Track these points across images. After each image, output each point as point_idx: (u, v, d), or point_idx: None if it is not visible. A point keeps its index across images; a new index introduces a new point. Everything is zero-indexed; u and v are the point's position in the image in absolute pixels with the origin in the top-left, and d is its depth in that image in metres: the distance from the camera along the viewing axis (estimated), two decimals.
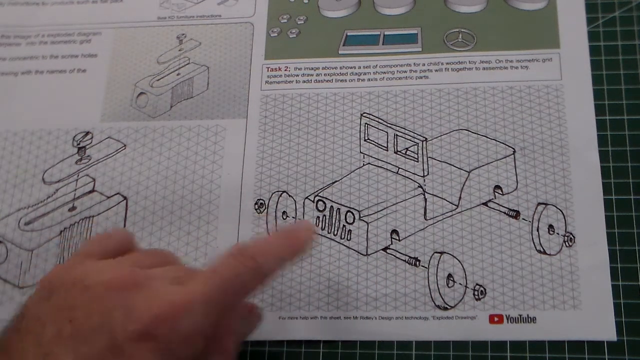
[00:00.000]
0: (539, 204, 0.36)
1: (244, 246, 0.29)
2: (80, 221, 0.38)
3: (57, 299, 0.26)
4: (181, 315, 0.26)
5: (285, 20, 0.42)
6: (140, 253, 0.31)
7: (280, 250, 0.30)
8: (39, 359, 0.25)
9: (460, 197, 0.36)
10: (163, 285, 0.27)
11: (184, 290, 0.27)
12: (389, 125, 0.38)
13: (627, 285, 0.34)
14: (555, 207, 0.36)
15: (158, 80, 0.41)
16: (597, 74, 0.38)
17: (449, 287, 0.35)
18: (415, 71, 0.40)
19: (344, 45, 0.41)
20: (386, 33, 0.41)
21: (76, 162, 0.40)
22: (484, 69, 0.39)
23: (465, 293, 0.35)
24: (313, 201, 0.37)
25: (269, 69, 0.41)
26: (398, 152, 0.38)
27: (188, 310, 0.26)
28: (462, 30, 0.40)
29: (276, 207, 0.37)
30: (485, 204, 0.36)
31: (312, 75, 0.40)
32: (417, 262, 0.35)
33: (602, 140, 0.37)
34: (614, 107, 0.37)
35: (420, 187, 0.37)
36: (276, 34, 0.42)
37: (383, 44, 0.41)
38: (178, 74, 0.41)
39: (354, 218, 0.37)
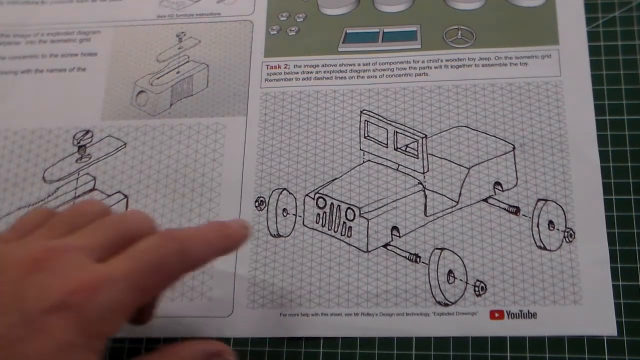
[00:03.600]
0: (539, 200, 0.36)
1: (174, 230, 0.28)
2: None
3: None
4: (99, 288, 0.25)
5: (285, 18, 0.42)
6: (57, 219, 0.29)
7: (210, 239, 0.29)
8: None
9: (460, 194, 0.37)
10: (79, 262, 0.26)
11: (103, 268, 0.26)
12: (388, 122, 0.39)
13: (627, 285, 0.34)
14: (555, 203, 0.36)
15: (158, 78, 0.42)
16: (597, 74, 0.38)
17: (449, 283, 0.35)
18: (415, 68, 0.40)
19: (343, 42, 0.41)
20: (385, 30, 0.41)
21: (76, 161, 0.40)
22: (483, 65, 0.39)
23: (465, 289, 0.35)
24: (313, 198, 0.37)
25: (269, 67, 0.41)
26: (398, 149, 0.38)
27: (107, 285, 0.25)
28: (462, 27, 0.40)
29: (276, 204, 0.37)
30: (485, 200, 0.36)
31: (311, 72, 0.40)
32: (418, 259, 0.36)
33: (602, 140, 0.37)
34: (614, 107, 0.37)
35: (421, 183, 0.37)
36: (275, 32, 0.42)
37: (382, 41, 0.41)
38: (178, 72, 0.42)
39: (354, 215, 0.37)
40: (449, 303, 0.35)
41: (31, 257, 0.25)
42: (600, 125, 0.37)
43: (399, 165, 0.38)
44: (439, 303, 0.35)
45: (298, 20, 0.42)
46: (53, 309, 0.24)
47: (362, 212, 0.37)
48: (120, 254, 0.26)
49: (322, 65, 0.40)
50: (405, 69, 0.40)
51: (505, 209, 0.36)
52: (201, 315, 0.35)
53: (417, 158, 0.38)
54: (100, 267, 0.26)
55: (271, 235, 0.37)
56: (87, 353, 0.25)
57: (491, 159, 0.37)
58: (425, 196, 0.37)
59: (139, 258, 0.26)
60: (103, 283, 0.25)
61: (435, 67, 0.40)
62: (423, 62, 0.40)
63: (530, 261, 0.35)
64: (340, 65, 0.40)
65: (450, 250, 0.35)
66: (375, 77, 0.40)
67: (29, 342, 0.24)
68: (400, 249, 0.36)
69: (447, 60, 0.40)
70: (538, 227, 0.35)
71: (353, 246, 0.36)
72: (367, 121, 0.39)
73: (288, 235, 0.37)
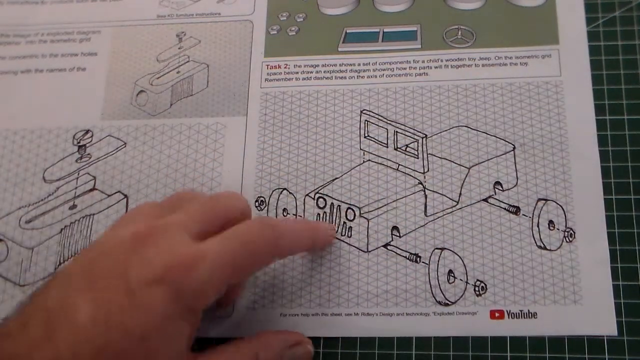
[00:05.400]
0: (539, 199, 0.36)
1: (270, 218, 0.31)
2: (81, 219, 0.38)
3: (82, 258, 0.29)
4: (196, 265, 0.27)
5: (285, 18, 0.42)
6: (159, 206, 0.31)
7: (301, 236, 0.33)
8: (54, 302, 0.26)
9: (460, 194, 0.37)
10: (179, 238, 0.28)
11: (200, 245, 0.28)
12: (388, 122, 0.39)
13: (627, 285, 0.34)
14: (556, 202, 0.36)
15: (158, 78, 0.42)
16: (597, 74, 0.38)
17: (449, 283, 0.35)
18: (415, 68, 0.40)
19: (343, 42, 0.41)
20: (385, 30, 0.41)
21: (76, 161, 0.40)
22: (483, 65, 0.39)
23: (466, 289, 0.35)
24: (313, 198, 0.37)
25: (269, 67, 0.41)
26: (398, 149, 0.38)
27: (202, 262, 0.27)
28: (462, 27, 0.40)
29: (277, 204, 0.37)
30: (485, 200, 0.36)
31: (311, 72, 0.40)
32: (418, 259, 0.36)
33: (602, 140, 0.37)
34: (614, 107, 0.37)
35: (421, 183, 0.37)
36: (275, 32, 0.42)
37: (382, 41, 0.41)
38: (178, 72, 0.42)
39: (355, 215, 0.37)
40: (449, 303, 0.35)
41: (135, 235, 0.28)
42: (600, 125, 0.37)
43: (399, 165, 0.38)
44: (439, 303, 0.35)
45: (298, 20, 0.42)
46: (154, 282, 0.26)
47: (362, 212, 0.37)
48: (219, 234, 0.29)
49: (322, 65, 0.40)
50: (405, 68, 0.40)
51: (505, 208, 0.36)
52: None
53: (417, 158, 0.38)
54: (198, 245, 0.28)
55: None
56: (184, 324, 0.27)
57: (491, 158, 0.37)
58: (426, 196, 0.37)
59: (235, 240, 0.28)
60: (200, 260, 0.27)
61: (436, 67, 0.40)
62: (423, 62, 0.40)
63: (531, 261, 0.35)
64: (340, 65, 0.40)
65: (451, 250, 0.35)
66: (376, 77, 0.40)
67: (132, 310, 0.26)
68: (401, 249, 0.36)
69: (447, 60, 0.40)
70: (538, 226, 0.35)
71: (353, 246, 0.36)
72: (367, 121, 0.39)
73: None
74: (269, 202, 0.37)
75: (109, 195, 0.39)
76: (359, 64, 0.40)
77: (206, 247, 0.28)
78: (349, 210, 0.37)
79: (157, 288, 0.26)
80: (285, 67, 0.41)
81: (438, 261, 0.35)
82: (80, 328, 0.25)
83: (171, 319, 0.27)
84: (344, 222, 0.37)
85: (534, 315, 0.34)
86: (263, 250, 0.29)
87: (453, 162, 0.37)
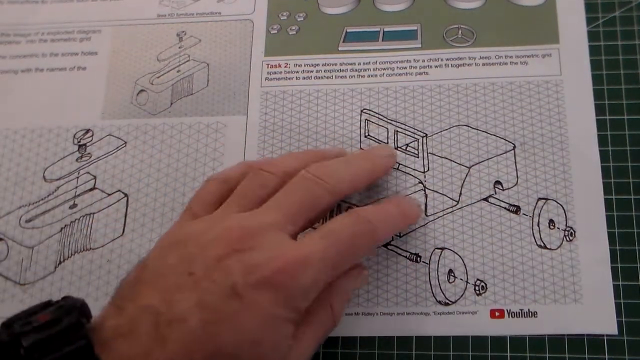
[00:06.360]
0: (540, 199, 0.36)
1: (360, 209, 0.31)
2: (81, 218, 0.38)
3: (174, 255, 0.28)
4: (300, 269, 0.27)
5: (285, 17, 0.42)
6: (240, 192, 0.31)
7: (393, 218, 0.33)
8: (160, 303, 0.26)
9: (460, 193, 0.37)
10: (279, 240, 0.28)
11: (302, 247, 0.28)
12: (389, 121, 0.39)
13: (627, 285, 0.34)
14: (556, 202, 0.36)
15: (158, 77, 0.42)
16: (597, 74, 0.38)
17: (450, 282, 0.35)
18: (415, 67, 0.40)
19: (343, 41, 0.41)
20: (386, 29, 0.41)
21: (77, 160, 0.40)
22: (483, 64, 0.39)
23: (466, 288, 0.35)
24: None
25: (269, 66, 0.41)
26: (398, 148, 0.38)
27: (307, 265, 0.27)
28: (462, 26, 0.40)
29: None
30: (485, 199, 0.36)
31: (312, 71, 0.40)
32: (418, 258, 0.35)
33: (602, 140, 0.37)
34: (614, 107, 0.37)
35: (421, 183, 0.37)
36: (276, 31, 0.42)
37: (383, 40, 0.41)
38: (178, 71, 0.42)
39: None
40: (450, 302, 0.35)
41: (231, 237, 0.28)
42: (600, 125, 0.37)
43: (399, 164, 0.38)
44: (440, 302, 0.35)
45: (298, 20, 0.42)
46: (261, 284, 0.26)
47: None
48: (316, 232, 0.29)
49: (323, 65, 0.40)
50: (405, 68, 0.40)
51: (505, 208, 0.36)
52: None
53: (418, 157, 0.38)
54: (300, 246, 0.28)
55: None
56: (288, 324, 0.27)
57: (491, 158, 0.37)
58: (426, 195, 0.37)
59: (334, 238, 0.29)
60: (306, 263, 0.27)
61: (436, 66, 0.40)
62: (423, 61, 0.40)
63: (531, 260, 0.35)
64: (340, 64, 0.40)
65: (451, 250, 0.35)
66: (376, 76, 0.40)
67: (242, 313, 0.26)
68: (401, 249, 0.36)
69: (447, 60, 0.40)
70: (538, 226, 0.35)
71: None
72: (368, 120, 0.39)
73: None
74: None
75: (109, 195, 0.39)
76: (359, 63, 0.40)
77: (309, 250, 0.28)
78: (349, 210, 0.37)
79: (265, 291, 0.26)
80: (285, 67, 0.41)
81: (438, 261, 0.35)
82: (192, 332, 0.25)
83: (279, 322, 0.27)
84: None
85: (534, 314, 0.34)
86: (362, 248, 0.30)
87: (453, 161, 0.37)
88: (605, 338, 0.33)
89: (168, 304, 0.26)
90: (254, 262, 0.27)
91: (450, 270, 0.35)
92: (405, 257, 0.36)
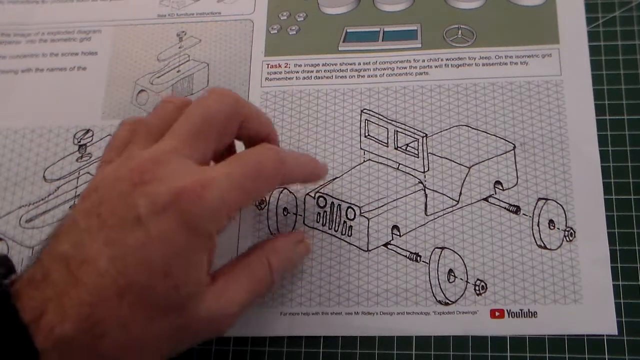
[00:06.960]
0: (539, 199, 0.36)
1: (271, 145, 0.32)
2: None
3: (87, 202, 0.28)
4: (203, 190, 0.26)
5: (285, 17, 0.42)
6: (142, 129, 0.31)
7: (303, 160, 0.34)
8: (71, 248, 0.26)
9: (460, 193, 0.37)
10: (181, 166, 0.28)
11: (206, 170, 0.28)
12: (389, 121, 0.39)
13: (627, 285, 0.34)
14: (556, 202, 0.36)
15: (158, 77, 0.42)
16: (597, 74, 0.38)
17: (449, 282, 0.35)
18: (415, 67, 0.40)
19: (343, 41, 0.41)
20: (386, 29, 0.41)
21: (77, 160, 0.40)
22: (483, 64, 0.39)
23: (466, 288, 0.35)
24: (314, 197, 0.37)
25: (269, 66, 0.41)
26: (398, 148, 0.38)
27: (211, 186, 0.27)
28: (462, 26, 0.40)
29: (277, 203, 0.37)
30: (485, 199, 0.36)
31: (312, 71, 0.40)
32: (418, 258, 0.36)
33: (602, 140, 0.37)
34: (614, 107, 0.37)
35: (421, 182, 0.37)
36: (276, 31, 0.42)
37: (383, 40, 0.41)
38: (178, 71, 0.42)
39: (355, 214, 0.37)
40: (450, 302, 0.35)
41: (135, 171, 0.27)
42: (600, 125, 0.37)
43: (399, 164, 0.38)
44: (440, 302, 0.35)
45: (298, 20, 0.42)
46: (163, 210, 0.26)
47: (362, 211, 0.37)
48: (223, 162, 0.29)
49: (323, 65, 0.41)
50: (405, 68, 0.40)
51: (505, 208, 0.36)
52: None
53: (418, 157, 0.38)
54: (204, 170, 0.28)
55: (272, 234, 0.37)
56: (199, 251, 0.27)
57: (491, 158, 0.37)
58: (426, 195, 0.37)
59: (241, 163, 0.29)
60: (208, 183, 0.27)
61: (436, 66, 0.40)
62: (423, 61, 0.40)
63: (531, 260, 0.35)
64: (340, 64, 0.40)
65: (451, 250, 0.35)
66: (376, 76, 0.40)
67: (148, 244, 0.26)
68: (401, 248, 0.36)
69: (447, 60, 0.40)
70: (538, 226, 0.35)
71: (353, 245, 0.36)
72: (368, 120, 0.39)
73: None
74: (269, 201, 0.37)
75: None
76: (360, 63, 0.40)
77: (213, 172, 0.28)
78: (349, 210, 0.37)
79: (168, 217, 0.26)
80: (285, 67, 0.41)
81: (438, 260, 0.35)
82: (101, 271, 0.25)
83: (188, 247, 0.27)
84: (344, 222, 0.37)
85: (534, 314, 0.34)
86: (270, 172, 0.30)
87: (453, 161, 0.37)
88: (605, 338, 0.33)
89: (79, 248, 0.26)
90: (156, 191, 0.26)
91: (450, 270, 0.35)
92: (405, 256, 0.36)
